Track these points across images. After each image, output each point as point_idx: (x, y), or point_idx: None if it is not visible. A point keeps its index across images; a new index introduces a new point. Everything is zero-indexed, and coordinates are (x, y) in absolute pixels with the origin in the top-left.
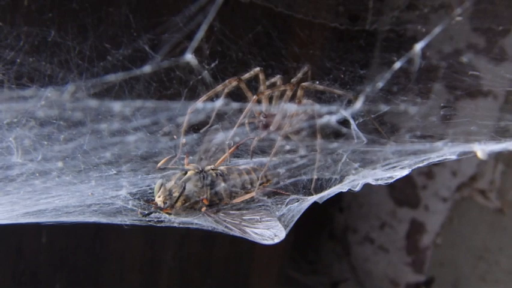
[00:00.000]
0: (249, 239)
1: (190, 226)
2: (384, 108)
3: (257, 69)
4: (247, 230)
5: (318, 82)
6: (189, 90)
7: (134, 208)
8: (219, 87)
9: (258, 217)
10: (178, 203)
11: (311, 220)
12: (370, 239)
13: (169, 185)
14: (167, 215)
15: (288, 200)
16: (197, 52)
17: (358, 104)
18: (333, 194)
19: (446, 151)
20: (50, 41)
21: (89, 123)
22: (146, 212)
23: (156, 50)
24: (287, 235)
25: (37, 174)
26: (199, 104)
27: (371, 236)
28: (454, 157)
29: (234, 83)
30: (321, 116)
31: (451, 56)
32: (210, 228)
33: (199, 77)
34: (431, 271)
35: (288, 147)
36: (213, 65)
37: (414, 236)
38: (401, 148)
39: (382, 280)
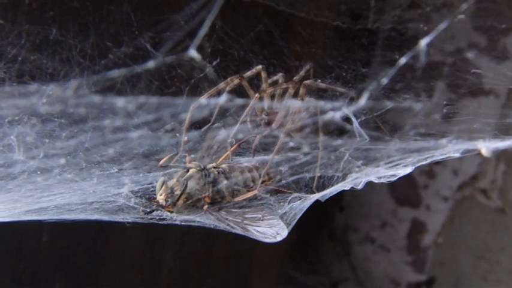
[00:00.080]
0: (251, 237)
1: (191, 224)
2: (386, 105)
3: (259, 67)
4: (249, 228)
5: (320, 80)
6: (191, 88)
7: (136, 206)
8: (221, 85)
9: (260, 215)
10: (180, 201)
11: (311, 220)
12: (370, 238)
13: (171, 183)
14: (169, 213)
15: (290, 198)
16: (199, 50)
17: (363, 101)
18: (335, 193)
19: (450, 148)
20: (52, 39)
21: (90, 120)
22: (148, 210)
23: (157, 48)
24: (288, 234)
25: (39, 172)
26: (202, 100)
27: (372, 236)
28: (457, 155)
29: (236, 81)
30: (324, 112)
31: (453, 54)
32: (211, 227)
33: (201, 75)
34: (432, 271)
35: (290, 145)
36: (214, 63)
37: (415, 235)
38: (404, 146)
39: (382, 280)
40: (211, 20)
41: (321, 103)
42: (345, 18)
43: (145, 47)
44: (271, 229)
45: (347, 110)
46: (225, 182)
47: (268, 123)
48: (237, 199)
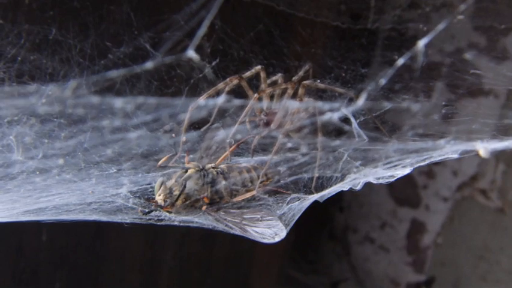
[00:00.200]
0: (250, 237)
1: (190, 225)
2: (385, 106)
3: (258, 67)
4: (248, 228)
5: (319, 80)
6: (190, 88)
7: (135, 206)
8: (220, 85)
9: (258, 216)
10: (179, 201)
11: (311, 220)
12: (370, 238)
13: (169, 183)
14: (167, 214)
15: (289, 198)
16: (198, 50)
17: (361, 101)
18: (334, 193)
19: (449, 149)
20: (51, 39)
21: (89, 120)
22: (147, 210)
23: (157, 48)
24: (287, 234)
25: (37, 172)
26: (201, 101)
27: (371, 236)
28: (456, 156)
29: (235, 81)
30: (322, 113)
31: (452, 54)
32: (210, 227)
33: (200, 75)
34: (432, 271)
35: (289, 145)
36: (214, 63)
37: (415, 235)
38: (403, 146)
39: (382, 280)
40: (210, 19)
41: (320, 103)
42: (344, 18)
43: (145, 47)
44: (269, 230)
45: (346, 111)
46: (224, 182)
47: (267, 124)
48: (235, 199)
